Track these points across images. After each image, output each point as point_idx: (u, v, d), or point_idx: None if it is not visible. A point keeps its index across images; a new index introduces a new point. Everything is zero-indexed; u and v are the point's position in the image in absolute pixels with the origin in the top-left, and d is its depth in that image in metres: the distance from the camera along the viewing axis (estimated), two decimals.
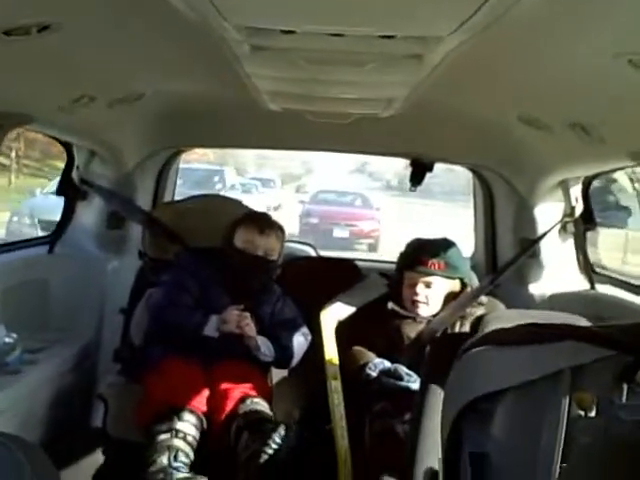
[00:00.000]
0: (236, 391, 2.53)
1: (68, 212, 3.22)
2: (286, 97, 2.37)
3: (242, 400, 2.50)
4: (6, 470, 0.87)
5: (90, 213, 3.25)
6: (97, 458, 2.48)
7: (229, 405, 2.49)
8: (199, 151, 12.55)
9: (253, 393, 2.55)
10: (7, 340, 2.43)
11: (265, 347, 2.76)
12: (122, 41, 1.82)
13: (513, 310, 1.99)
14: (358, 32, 1.58)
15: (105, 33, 1.72)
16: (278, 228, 2.89)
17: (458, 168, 3.54)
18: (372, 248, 13.70)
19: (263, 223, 2.85)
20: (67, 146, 3.09)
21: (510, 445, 1.26)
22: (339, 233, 13.78)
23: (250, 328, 2.67)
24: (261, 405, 2.52)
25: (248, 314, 2.69)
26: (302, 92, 2.25)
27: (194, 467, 2.31)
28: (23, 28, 1.51)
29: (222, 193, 10.20)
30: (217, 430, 2.48)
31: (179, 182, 3.87)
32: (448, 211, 15.30)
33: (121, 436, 2.53)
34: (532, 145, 2.71)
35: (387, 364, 2.75)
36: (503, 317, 1.72)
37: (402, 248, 2.99)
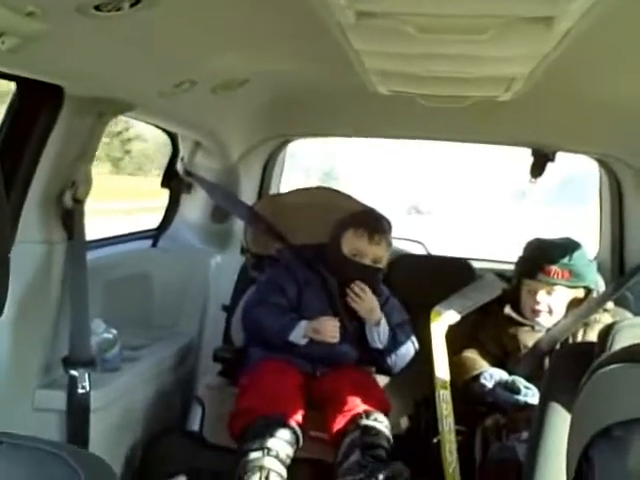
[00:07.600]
0: (355, 403, 2.34)
1: (173, 205, 3.18)
2: (396, 78, 2.16)
3: (366, 415, 2.32)
4: None
5: (194, 206, 3.18)
6: (192, 463, 2.38)
7: (345, 418, 2.31)
8: None
9: (373, 407, 2.36)
10: (107, 336, 2.35)
11: (384, 331, 2.59)
12: (218, 18, 1.69)
13: None
14: None
15: (198, 10, 1.60)
16: (388, 230, 2.65)
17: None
18: None
19: (373, 228, 2.61)
20: (172, 136, 3.05)
21: None
22: None
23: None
24: (381, 422, 2.32)
25: (338, 324, 2.53)
26: (413, 71, 2.03)
27: None
28: (114, 2, 1.40)
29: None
30: (330, 443, 2.32)
31: None
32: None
33: (217, 442, 2.42)
34: None
35: (504, 375, 2.53)
36: (637, 325, 1.49)
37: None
